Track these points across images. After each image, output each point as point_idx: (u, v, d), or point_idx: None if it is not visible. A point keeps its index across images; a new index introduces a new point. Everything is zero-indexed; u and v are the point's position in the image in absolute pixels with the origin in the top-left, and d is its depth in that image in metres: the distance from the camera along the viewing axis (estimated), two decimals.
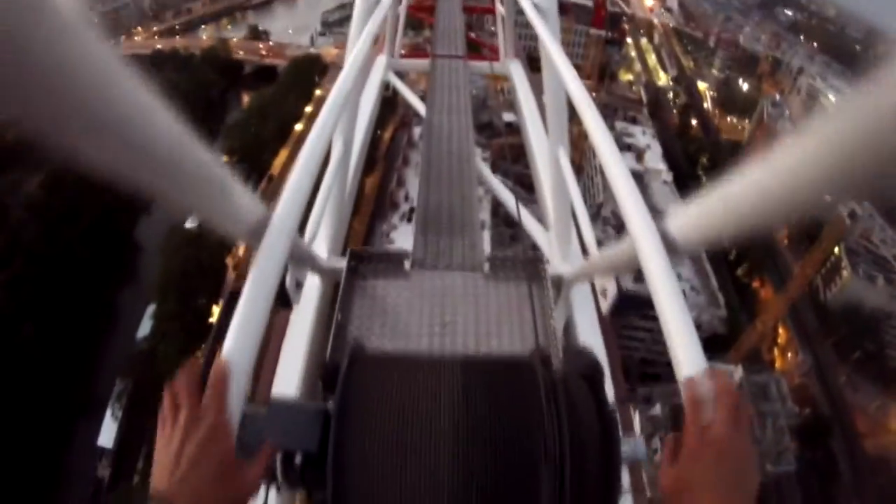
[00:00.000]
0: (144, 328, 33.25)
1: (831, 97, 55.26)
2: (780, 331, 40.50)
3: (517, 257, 3.12)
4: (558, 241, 3.71)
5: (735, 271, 43.61)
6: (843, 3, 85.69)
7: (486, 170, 5.30)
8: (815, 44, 72.98)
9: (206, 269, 32.48)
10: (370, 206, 26.60)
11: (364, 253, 3.07)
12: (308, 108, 40.91)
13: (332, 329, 2.61)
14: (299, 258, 1.96)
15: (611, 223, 32.21)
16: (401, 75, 7.64)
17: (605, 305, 3.07)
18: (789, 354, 39.85)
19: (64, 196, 41.53)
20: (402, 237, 24.72)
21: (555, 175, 3.43)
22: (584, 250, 3.49)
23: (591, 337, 3.21)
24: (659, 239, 1.25)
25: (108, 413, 31.37)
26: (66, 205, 40.58)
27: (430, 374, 1.01)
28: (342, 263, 3.01)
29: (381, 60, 7.27)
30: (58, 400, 31.43)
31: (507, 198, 4.73)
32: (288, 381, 2.88)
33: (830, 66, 62.57)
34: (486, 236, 25.67)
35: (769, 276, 43.98)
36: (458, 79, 6.20)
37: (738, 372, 30.51)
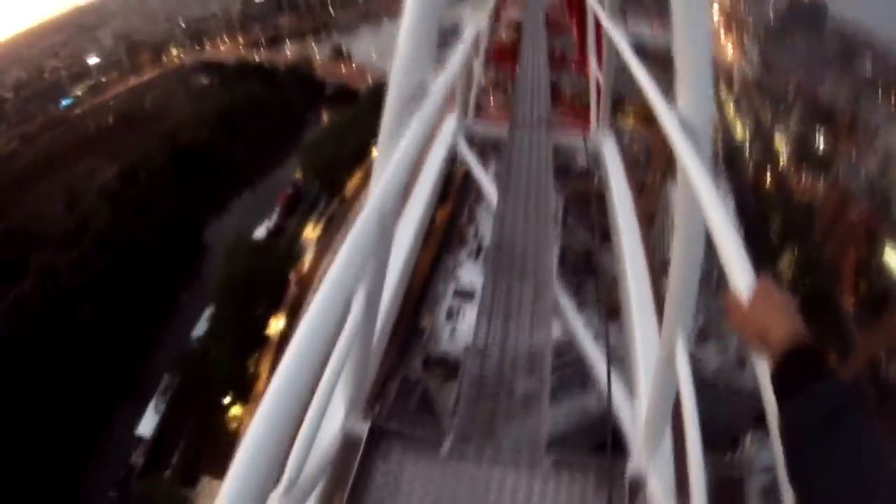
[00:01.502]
0: (200, 328, 33.94)
1: None
2: None
3: (589, 457, 2.51)
4: (648, 433, 2.59)
5: None
6: None
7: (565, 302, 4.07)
8: (893, 100, 69.86)
9: (269, 280, 33.09)
10: (438, 239, 26.72)
11: (392, 425, 2.53)
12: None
13: None
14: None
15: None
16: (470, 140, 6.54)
17: None
18: None
19: (138, 188, 43.40)
20: (469, 274, 24.60)
21: (665, 353, 2.21)
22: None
23: None
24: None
25: (152, 404, 31.87)
26: (139, 197, 42.26)
27: None
28: (362, 429, 2.47)
29: (451, 121, 6.23)
30: (104, 382, 32.39)
31: (598, 361, 3.47)
32: None
33: None
34: (554, 282, 25.34)
35: (833, 344, 41.85)
36: (540, 154, 5.31)
37: None
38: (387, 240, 2.00)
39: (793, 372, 0.98)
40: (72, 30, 74.77)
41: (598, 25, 5.93)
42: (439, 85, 2.23)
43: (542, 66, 8.02)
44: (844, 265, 48.48)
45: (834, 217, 51.39)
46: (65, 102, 65.48)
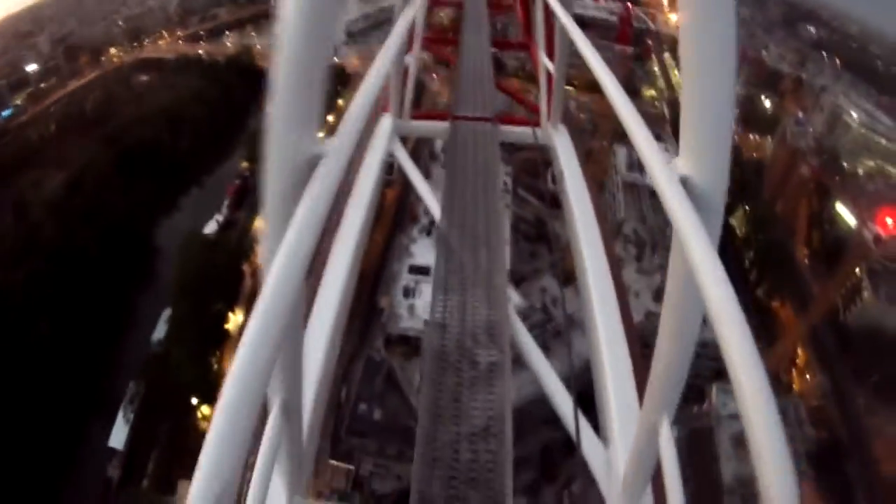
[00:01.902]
0: (159, 331, 33.37)
1: (854, 115, 54.56)
2: (799, 352, 39.89)
3: None
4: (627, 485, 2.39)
5: (755, 291, 42.96)
6: (867, 20, 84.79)
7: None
8: (837, 61, 72.21)
9: (223, 275, 32.55)
10: (390, 219, 26.53)
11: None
12: (330, 118, 41.18)
13: None
14: None
15: (631, 241, 31.98)
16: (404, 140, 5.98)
17: None
18: (807, 376, 39.21)
19: (84, 196, 42.06)
20: (422, 250, 24.52)
21: (647, 433, 2.04)
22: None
23: None
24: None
25: (121, 415, 31.45)
26: (87, 205, 41.06)
27: None
28: None
29: (385, 123, 5.69)
30: (71, 398, 31.67)
31: (562, 402, 3.30)
32: None
33: (853, 84, 61.84)
34: (507, 252, 25.58)
35: (789, 296, 43.32)
36: (487, 151, 4.68)
37: None
38: (295, 336, 1.77)
39: None
40: (8, 38, 71.57)
41: (546, 8, 5.36)
42: (375, 72, 2.04)
43: (484, 54, 7.22)
44: (797, 219, 50.12)
45: (784, 174, 52.98)
46: (5, 113, 62.97)
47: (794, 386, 38.32)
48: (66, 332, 34.09)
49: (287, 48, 1.43)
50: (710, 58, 1.40)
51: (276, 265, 1.16)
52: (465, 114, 5.29)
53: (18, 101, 64.41)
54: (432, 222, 26.75)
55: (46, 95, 65.79)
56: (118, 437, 30.83)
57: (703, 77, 1.42)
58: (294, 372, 1.86)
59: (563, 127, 5.77)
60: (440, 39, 10.72)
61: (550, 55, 5.53)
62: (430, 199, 4.86)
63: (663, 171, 1.41)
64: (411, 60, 6.07)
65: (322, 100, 1.50)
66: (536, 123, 6.04)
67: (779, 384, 36.03)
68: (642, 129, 1.67)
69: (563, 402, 3.26)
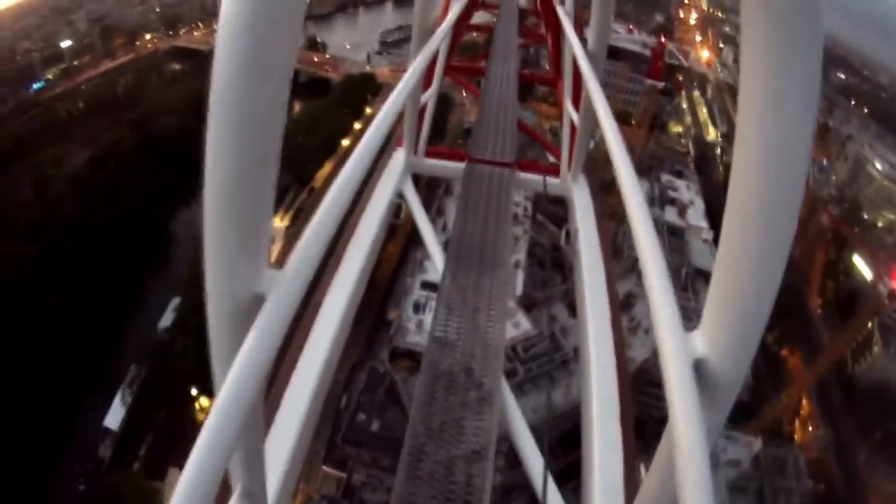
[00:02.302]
0: (167, 319, 33.49)
1: (878, 166, 54.10)
2: (804, 402, 39.36)
3: None
4: None
5: (765, 338, 42.48)
6: None
7: None
8: (865, 110, 71.74)
9: None
10: (406, 232, 26.50)
11: None
12: (357, 125, 41.41)
13: None
14: None
15: None
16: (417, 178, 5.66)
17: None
18: (810, 427, 38.66)
19: (107, 176, 42.41)
20: (435, 266, 24.42)
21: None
22: None
23: None
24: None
25: (119, 396, 31.52)
26: (108, 184, 41.35)
27: None
28: None
29: (398, 159, 5.51)
30: (72, 372, 31.80)
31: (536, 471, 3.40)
32: None
33: (879, 135, 61.38)
34: (520, 276, 25.43)
35: (799, 345, 42.80)
36: (501, 198, 4.40)
37: (756, 444, 29.81)
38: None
39: None
40: (46, 12, 72.65)
41: (576, 68, 5.14)
42: (388, 108, 1.92)
43: (510, 88, 6.82)
44: (812, 267, 49.61)
45: (803, 221, 52.50)
46: (36, 86, 63.72)
47: (796, 436, 37.81)
48: (75, 307, 34.26)
49: (222, 152, 1.10)
50: (765, 216, 1.11)
51: (216, 406, 1.07)
52: (482, 156, 5.04)
53: (50, 76, 65.22)
54: (448, 241, 26.61)
55: (78, 73, 66.60)
56: (114, 417, 30.91)
57: (751, 240, 1.15)
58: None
59: (583, 178, 5.52)
60: (465, 69, 10.39)
61: (576, 102, 5.35)
62: (435, 248, 4.72)
63: (676, 349, 1.20)
64: (430, 96, 5.78)
65: (270, 219, 1.22)
66: (557, 171, 5.78)
67: (780, 434, 35.58)
68: (661, 280, 1.44)
69: (536, 464, 3.24)
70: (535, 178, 5.77)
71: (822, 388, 38.95)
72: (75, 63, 67.36)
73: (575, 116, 5.20)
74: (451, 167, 5.74)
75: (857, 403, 38.19)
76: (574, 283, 4.51)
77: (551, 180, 5.54)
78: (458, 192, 4.54)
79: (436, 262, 4.33)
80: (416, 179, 6.20)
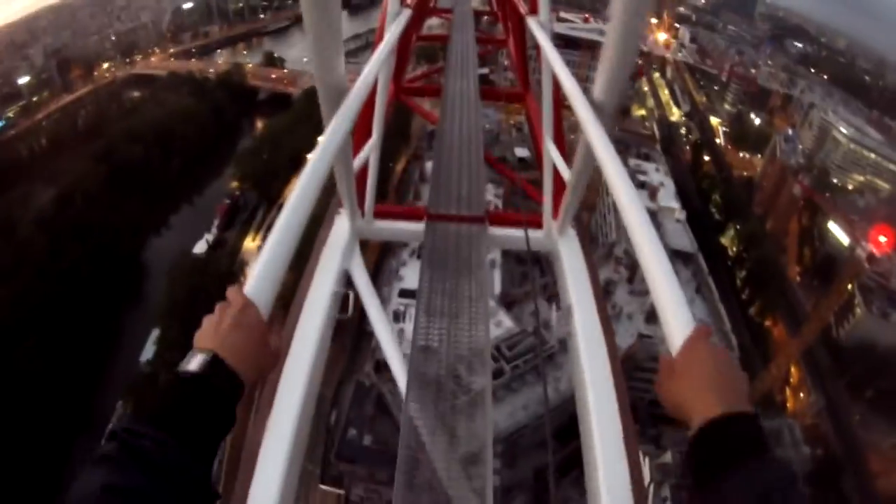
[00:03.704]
0: (148, 352, 32.95)
1: (843, 130, 55.15)
2: (793, 370, 39.90)
3: None
4: None
5: (747, 310, 42.96)
6: (854, 34, 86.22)
7: None
8: (825, 76, 73.24)
9: (213, 297, 32.05)
10: (379, 244, 26.32)
11: None
12: (321, 138, 41.04)
13: None
14: None
15: (623, 262, 31.93)
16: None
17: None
18: (801, 394, 39.20)
19: (74, 213, 41.69)
20: (412, 273, 24.30)
21: None
22: None
23: None
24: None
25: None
26: (76, 221, 40.70)
27: None
28: None
29: (340, 229, 4.20)
30: (59, 417, 31.13)
31: None
32: None
33: (842, 100, 62.67)
34: (497, 275, 25.41)
35: (781, 314, 43.40)
36: (473, 260, 3.56)
37: None
38: None
39: (717, 450, 0.85)
40: (1, 48, 71.22)
41: (556, 98, 4.15)
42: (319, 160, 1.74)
43: (472, 110, 5.80)
44: (787, 236, 50.36)
45: (774, 191, 53.31)
46: None
47: (788, 405, 38.29)
48: (54, 349, 33.50)
49: None
50: None
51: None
52: (445, 211, 4.08)
53: (10, 114, 64.01)
54: (421, 247, 26.46)
55: (38, 109, 65.46)
56: None
57: None
58: None
59: (573, 232, 4.33)
60: (415, 89, 9.04)
61: (559, 142, 4.14)
62: (391, 347, 3.65)
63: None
64: (372, 148, 4.28)
65: None
66: (538, 220, 4.48)
67: (772, 405, 36.03)
68: (662, 264, 1.45)
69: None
70: (513, 232, 4.43)
71: (809, 355, 39.52)
72: (34, 99, 66.19)
73: (560, 162, 3.87)
74: (409, 229, 4.59)
75: (844, 365, 38.86)
76: (570, 367, 3.37)
77: (532, 233, 4.33)
78: (420, 261, 3.64)
79: (396, 377, 3.50)
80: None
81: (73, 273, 37.18)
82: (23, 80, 66.06)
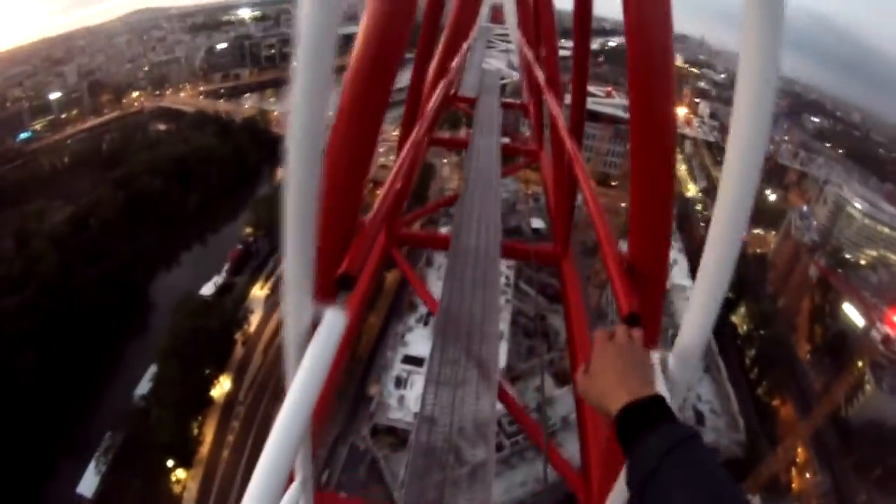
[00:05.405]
0: (143, 387, 32.60)
1: (857, 205, 54.90)
2: (799, 450, 38.75)
3: None
4: None
5: (755, 390, 41.96)
6: (868, 107, 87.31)
7: None
8: (840, 150, 73.68)
9: (215, 340, 31.98)
10: (387, 303, 26.14)
11: None
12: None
13: None
14: None
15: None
16: None
17: None
18: (807, 474, 38.00)
19: (88, 235, 42.03)
20: (417, 340, 24.02)
21: None
22: None
23: None
24: None
25: (93, 464, 30.45)
26: (89, 244, 40.98)
27: None
28: None
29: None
30: (45, 435, 30.78)
31: None
32: None
33: (856, 174, 62.76)
34: (504, 347, 24.90)
35: (790, 393, 42.41)
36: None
37: (755, 502, 29.28)
38: None
39: (634, 423, 1.03)
40: (38, 61, 73.35)
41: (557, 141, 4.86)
42: None
43: (493, 183, 5.79)
44: (799, 314, 49.61)
45: (788, 269, 52.81)
46: (23, 136, 63.86)
47: (793, 485, 37.07)
48: (50, 367, 33.31)
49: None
50: None
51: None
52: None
53: (38, 126, 65.45)
54: (430, 313, 26.31)
55: (65, 126, 66.95)
56: (87, 484, 29.70)
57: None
58: None
59: (570, 250, 5.40)
60: (447, 141, 9.84)
61: (558, 173, 5.07)
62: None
63: None
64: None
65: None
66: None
67: (778, 487, 34.92)
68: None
69: None
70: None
71: (816, 434, 38.52)
72: (63, 116, 67.77)
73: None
74: None
75: (852, 445, 37.87)
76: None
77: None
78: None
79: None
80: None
81: (80, 295, 37.30)
82: (54, 95, 67.84)
